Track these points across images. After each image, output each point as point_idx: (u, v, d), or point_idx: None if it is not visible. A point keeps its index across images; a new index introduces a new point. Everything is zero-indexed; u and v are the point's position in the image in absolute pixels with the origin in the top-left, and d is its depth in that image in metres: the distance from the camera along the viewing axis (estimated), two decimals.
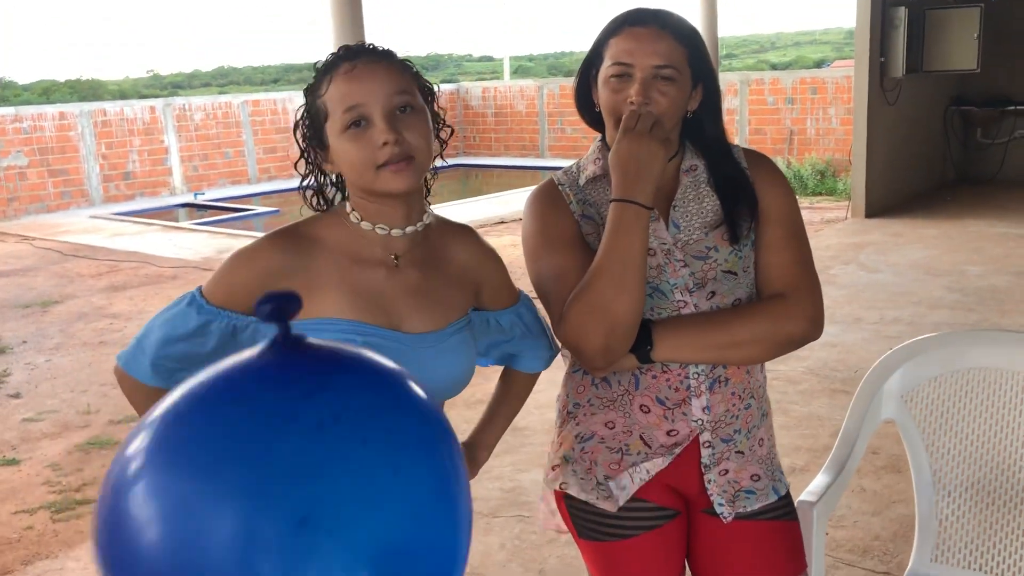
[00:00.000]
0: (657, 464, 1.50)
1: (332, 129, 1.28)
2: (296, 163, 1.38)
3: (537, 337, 1.55)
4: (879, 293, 5.68)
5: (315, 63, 1.33)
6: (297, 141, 1.36)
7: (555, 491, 1.58)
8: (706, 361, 1.47)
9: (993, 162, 9.23)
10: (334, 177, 1.38)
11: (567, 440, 1.57)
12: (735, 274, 1.48)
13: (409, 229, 1.34)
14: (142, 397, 1.34)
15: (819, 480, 1.85)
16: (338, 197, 1.40)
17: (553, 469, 1.59)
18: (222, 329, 1.30)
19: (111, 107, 12.14)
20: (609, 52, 1.47)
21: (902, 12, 7.66)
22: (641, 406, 1.50)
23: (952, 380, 1.94)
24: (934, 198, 8.79)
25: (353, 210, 1.34)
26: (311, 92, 1.32)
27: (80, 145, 11.62)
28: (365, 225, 1.33)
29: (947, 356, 1.96)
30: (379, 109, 1.25)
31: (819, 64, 33.29)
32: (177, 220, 10.81)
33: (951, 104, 9.21)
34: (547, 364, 1.59)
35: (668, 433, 1.50)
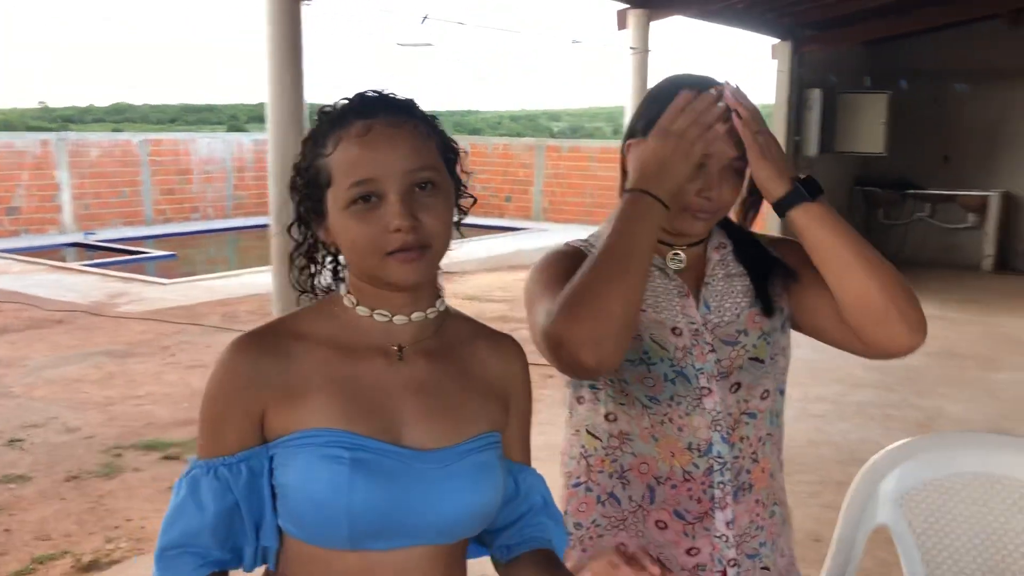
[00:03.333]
0: None
1: (334, 199, 1.07)
2: (289, 227, 1.15)
3: (558, 519, 1.24)
4: (802, 369, 5.60)
5: (322, 107, 1.11)
6: (292, 199, 1.14)
7: None
8: (851, 245, 1.26)
9: (894, 242, 9.57)
10: (332, 249, 1.15)
11: (575, 571, 1.38)
12: (762, 362, 1.36)
13: (416, 316, 1.12)
14: None
15: None
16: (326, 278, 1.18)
17: None
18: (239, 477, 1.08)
19: None
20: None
21: (817, 94, 7.92)
22: (657, 522, 1.34)
23: (948, 484, 1.85)
24: None
25: (348, 293, 1.12)
26: (313, 144, 1.10)
27: None
28: (361, 310, 1.11)
29: (941, 458, 1.87)
30: (395, 186, 1.04)
31: None
32: (65, 260, 10.20)
33: (856, 184, 9.56)
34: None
35: (688, 552, 1.34)
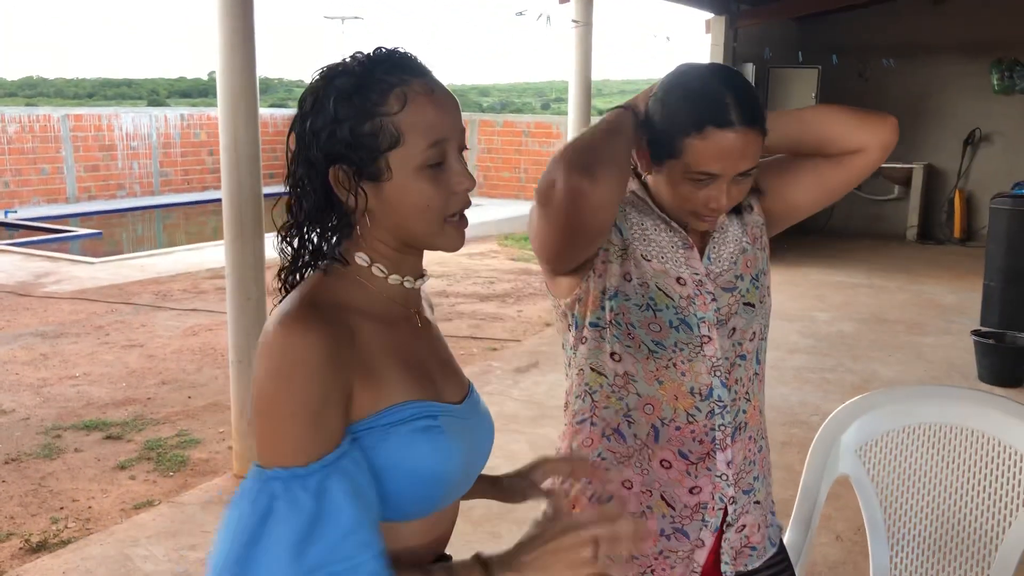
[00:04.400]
0: (703, 554, 1.40)
1: (404, 160, 1.01)
2: (299, 196, 1.05)
3: None
4: None
5: (352, 57, 1.04)
6: (311, 160, 1.03)
7: None
8: (804, 114, 1.44)
9: (822, 214, 9.81)
10: (356, 217, 1.06)
11: (579, 502, 1.42)
12: (753, 306, 1.43)
13: (419, 281, 1.12)
14: None
15: (791, 539, 1.79)
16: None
17: None
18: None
19: None
20: (689, 158, 1.30)
21: (750, 68, 8.05)
22: (662, 461, 1.40)
23: (904, 435, 1.93)
24: (773, 246, 9.22)
25: (374, 262, 1.07)
26: (361, 101, 1.01)
27: None
28: (394, 279, 1.08)
29: (898, 411, 1.95)
30: (455, 148, 1.04)
31: None
32: None
33: None
34: None
35: (691, 491, 1.40)
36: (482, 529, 3.28)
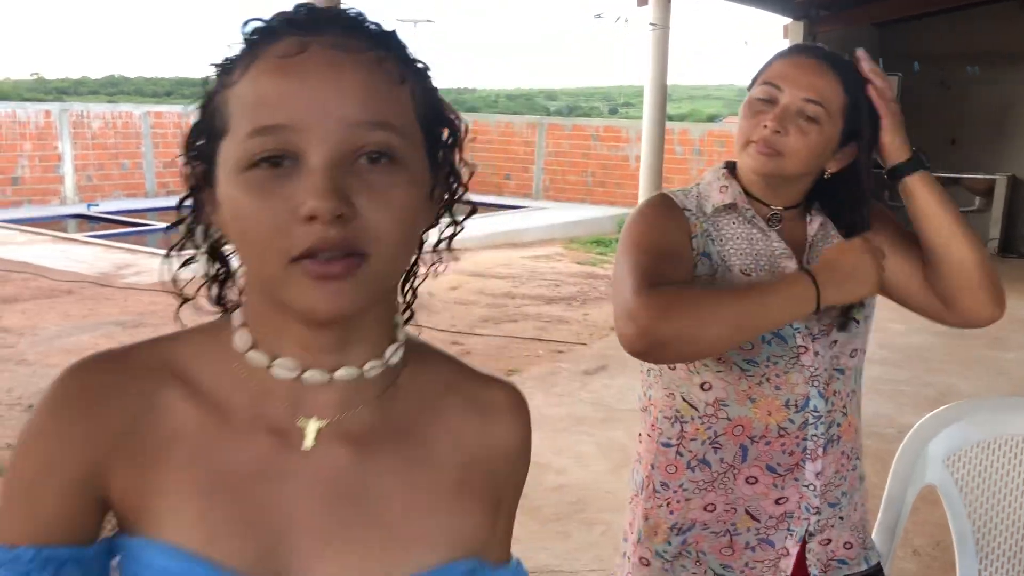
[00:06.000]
0: (789, 563, 1.38)
1: (226, 156, 0.68)
2: (180, 202, 0.78)
3: None
4: None
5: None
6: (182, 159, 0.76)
7: None
8: (956, 214, 1.37)
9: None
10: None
11: (660, 530, 1.41)
12: (857, 322, 1.40)
13: (342, 374, 0.72)
14: None
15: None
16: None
17: (640, 566, 1.43)
18: None
19: (1, 108, 11.40)
20: (765, 73, 1.35)
21: None
22: (748, 478, 1.37)
23: (996, 446, 1.88)
24: None
25: (243, 324, 0.74)
26: (219, 72, 0.71)
27: None
28: (254, 357, 0.72)
29: (990, 421, 1.90)
30: (323, 145, 0.64)
31: (711, 119, 34.44)
32: (68, 231, 10.17)
33: None
34: None
35: (777, 502, 1.37)
36: (550, 528, 3.29)
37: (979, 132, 9.31)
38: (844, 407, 1.40)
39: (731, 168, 1.42)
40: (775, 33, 8.08)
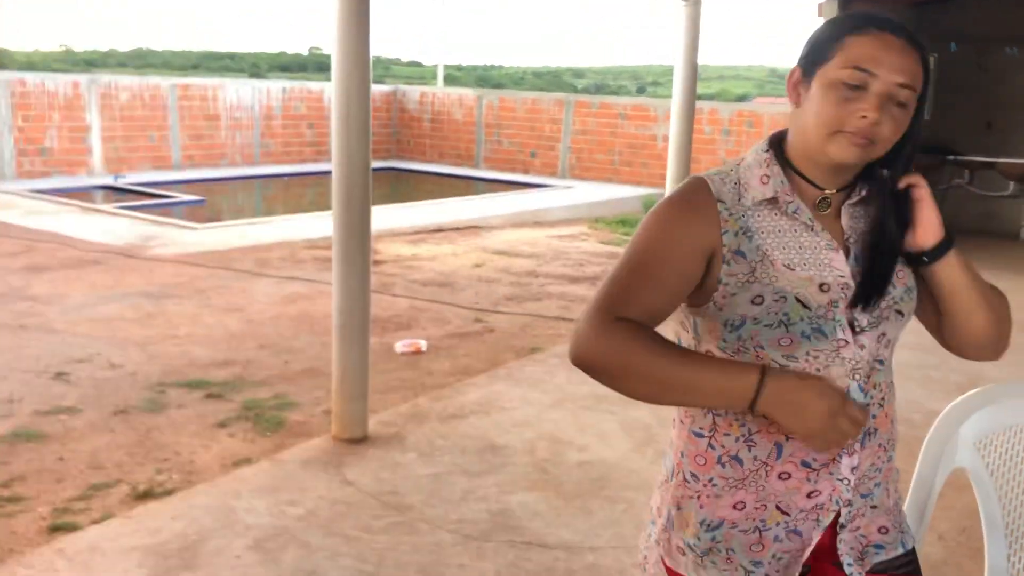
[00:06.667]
0: (810, 550, 1.36)
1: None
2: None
3: None
4: None
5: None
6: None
7: None
8: (980, 288, 1.37)
9: None
10: None
11: (690, 522, 1.38)
12: (903, 315, 1.35)
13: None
14: None
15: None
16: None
17: (674, 553, 1.41)
18: None
19: (32, 78, 11.48)
20: (845, 52, 1.25)
21: None
22: (781, 474, 1.33)
23: None
24: None
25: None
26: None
27: None
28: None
29: (1020, 406, 1.87)
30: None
31: (742, 99, 34.07)
32: (95, 202, 10.25)
33: None
34: None
35: (809, 495, 1.34)
36: (573, 504, 3.29)
37: (1016, 116, 9.15)
38: (883, 399, 1.36)
39: (775, 148, 1.35)
40: (810, 10, 7.96)
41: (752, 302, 1.28)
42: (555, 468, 3.58)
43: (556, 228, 9.72)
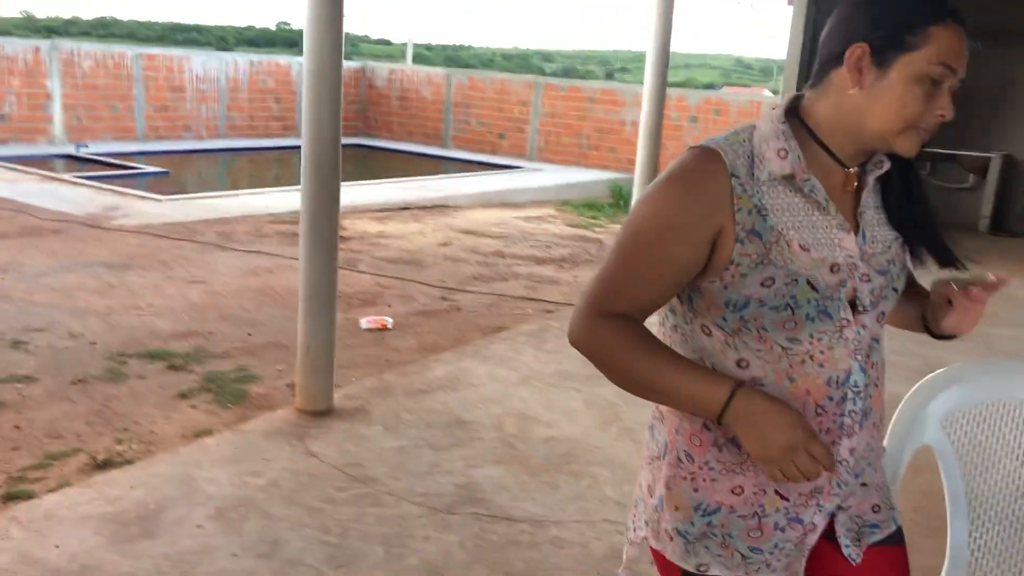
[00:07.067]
0: (814, 537, 1.36)
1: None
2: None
3: None
4: None
5: None
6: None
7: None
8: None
9: None
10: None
11: (682, 507, 1.35)
12: (897, 292, 1.35)
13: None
14: None
15: None
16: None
17: (662, 537, 1.38)
18: None
19: None
20: (935, 45, 1.19)
21: None
22: None
23: (995, 409, 1.87)
24: None
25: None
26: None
27: None
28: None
29: (991, 386, 1.89)
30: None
31: (708, 87, 34.09)
32: (56, 171, 10.03)
33: None
34: None
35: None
36: (540, 479, 3.29)
37: (976, 109, 9.29)
38: (878, 377, 1.36)
39: (792, 120, 1.28)
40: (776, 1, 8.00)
41: (762, 284, 1.23)
42: (521, 444, 3.58)
43: (524, 210, 9.70)
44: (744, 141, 1.27)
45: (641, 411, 4.06)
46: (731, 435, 1.29)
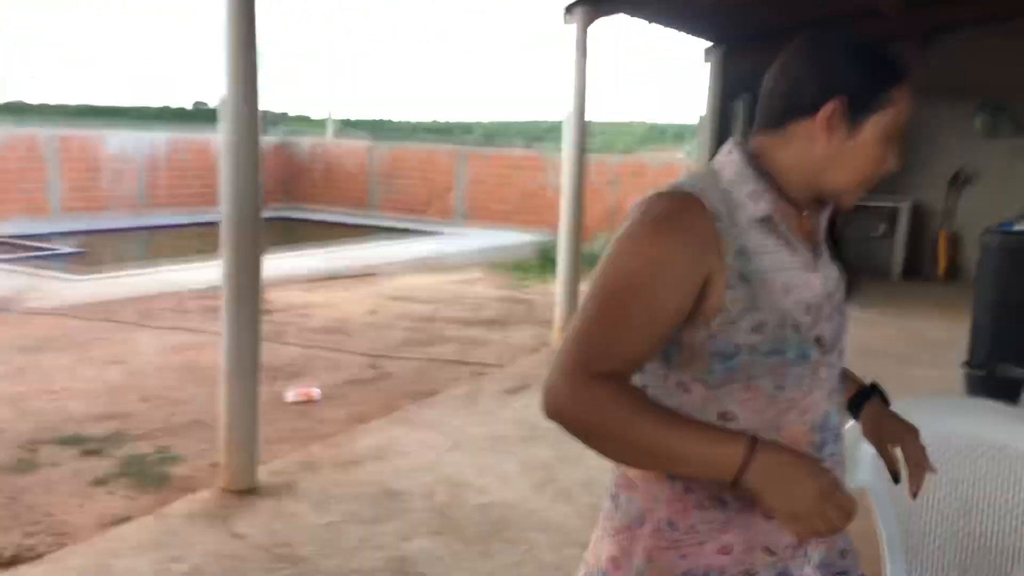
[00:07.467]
0: None
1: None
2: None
3: None
4: None
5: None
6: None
7: None
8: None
9: None
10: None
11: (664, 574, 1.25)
12: (846, 329, 1.33)
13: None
14: None
15: None
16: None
17: None
18: None
19: None
20: (900, 103, 1.22)
21: (740, 105, 8.09)
22: (766, 512, 1.23)
23: (931, 449, 1.87)
24: None
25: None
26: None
27: None
28: None
29: (923, 423, 1.89)
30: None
31: (625, 153, 34.79)
32: None
33: None
34: None
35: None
36: (473, 548, 3.19)
37: None
38: (840, 412, 1.34)
39: (755, 164, 1.25)
40: (685, 69, 8.25)
41: (753, 330, 1.18)
42: (454, 512, 3.48)
43: (452, 273, 9.68)
44: (712, 184, 1.23)
45: (577, 470, 4.02)
46: (721, 494, 1.22)
